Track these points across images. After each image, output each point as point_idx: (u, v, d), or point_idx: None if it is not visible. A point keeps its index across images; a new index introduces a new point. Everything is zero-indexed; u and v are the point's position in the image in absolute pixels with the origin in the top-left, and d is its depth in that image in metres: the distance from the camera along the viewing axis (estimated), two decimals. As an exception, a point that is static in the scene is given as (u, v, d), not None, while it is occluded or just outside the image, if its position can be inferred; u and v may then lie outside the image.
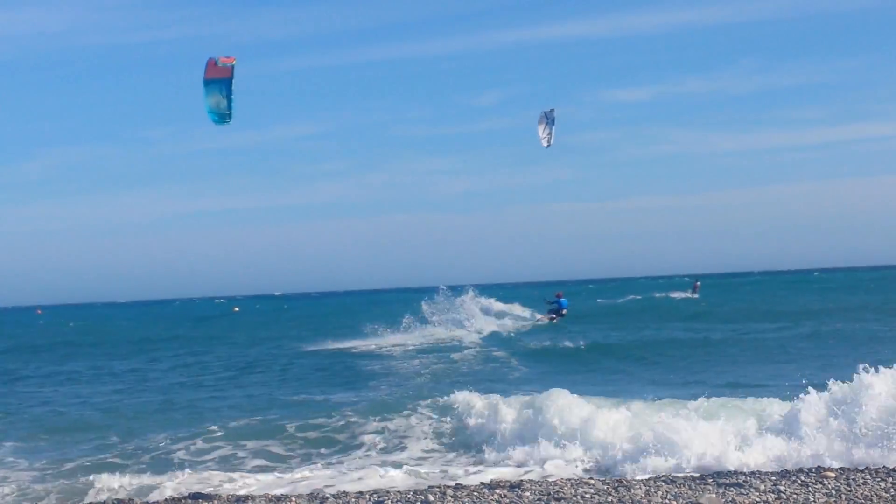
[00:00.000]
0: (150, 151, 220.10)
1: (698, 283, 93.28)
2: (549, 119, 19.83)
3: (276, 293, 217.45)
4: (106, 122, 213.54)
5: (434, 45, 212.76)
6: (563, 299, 51.13)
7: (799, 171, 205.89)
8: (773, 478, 14.44)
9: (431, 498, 13.77)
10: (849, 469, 14.94)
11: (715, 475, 15.00)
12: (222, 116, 16.21)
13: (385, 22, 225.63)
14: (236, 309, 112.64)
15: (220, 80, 16.05)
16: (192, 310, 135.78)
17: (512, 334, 46.57)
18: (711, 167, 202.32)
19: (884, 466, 15.11)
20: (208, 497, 14.54)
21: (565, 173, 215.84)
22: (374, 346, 42.66)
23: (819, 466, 15.23)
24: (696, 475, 15.15)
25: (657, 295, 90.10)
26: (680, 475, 15.28)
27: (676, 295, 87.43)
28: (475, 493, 13.94)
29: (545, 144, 19.89)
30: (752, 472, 15.05)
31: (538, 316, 52.86)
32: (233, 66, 15.97)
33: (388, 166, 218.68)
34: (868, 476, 14.30)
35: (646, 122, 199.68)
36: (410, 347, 41.38)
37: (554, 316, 50.59)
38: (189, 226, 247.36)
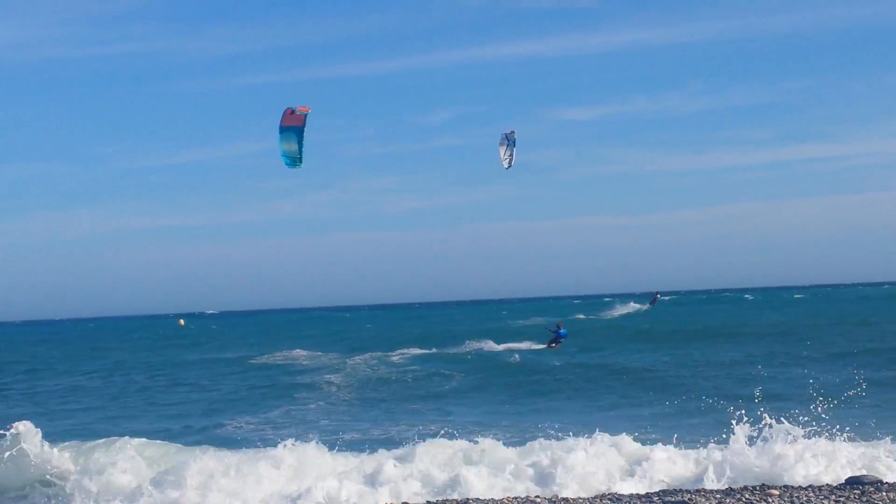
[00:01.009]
0: (98, 168, 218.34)
1: (658, 294, 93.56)
2: (509, 140, 20.10)
3: (208, 311, 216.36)
4: (54, 139, 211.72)
5: (385, 63, 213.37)
6: (562, 330, 53.40)
7: (746, 191, 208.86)
8: (718, 495, 14.52)
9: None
10: (792, 487, 15.06)
11: (661, 493, 15.06)
12: (294, 160, 17.86)
13: (335, 40, 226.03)
14: (182, 322, 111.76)
15: (294, 128, 17.70)
16: (142, 326, 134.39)
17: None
18: (659, 187, 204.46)
19: (827, 485, 15.25)
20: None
21: (515, 192, 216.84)
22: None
23: (763, 484, 15.35)
24: (642, 493, 15.19)
25: (612, 312, 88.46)
26: (626, 493, 15.31)
27: (627, 309, 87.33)
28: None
29: (506, 166, 20.07)
30: (698, 490, 15.12)
31: (542, 345, 54.28)
32: (306, 115, 17.65)
33: (337, 184, 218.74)
34: (812, 494, 14.41)
35: (594, 142, 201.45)
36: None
37: (554, 344, 52.55)
38: (137, 243, 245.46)
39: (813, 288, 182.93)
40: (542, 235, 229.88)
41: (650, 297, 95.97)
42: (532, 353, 46.27)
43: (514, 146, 20.05)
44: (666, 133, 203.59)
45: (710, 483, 15.71)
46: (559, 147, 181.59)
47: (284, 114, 17.81)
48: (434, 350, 49.13)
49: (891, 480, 15.25)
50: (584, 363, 38.94)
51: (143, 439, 19.32)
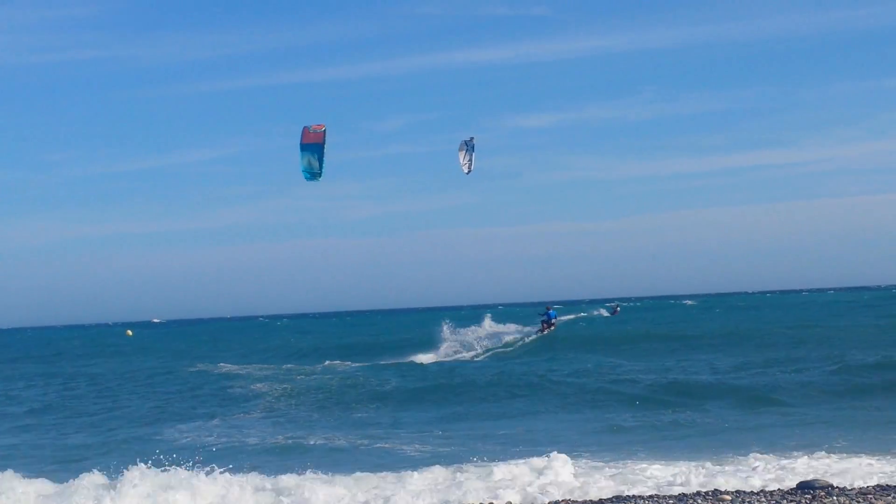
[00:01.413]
0: (49, 175, 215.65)
1: (618, 307, 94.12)
2: (469, 146, 20.40)
3: (154, 320, 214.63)
4: (2, 146, 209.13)
5: (338, 70, 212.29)
6: (551, 311, 54.46)
7: (701, 197, 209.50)
8: (671, 501, 14.60)
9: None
10: (745, 492, 15.17)
11: (614, 499, 15.12)
12: (314, 175, 18.82)
13: (289, 46, 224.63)
14: (129, 332, 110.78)
15: (314, 145, 18.72)
16: (81, 335, 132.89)
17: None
18: (615, 193, 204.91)
19: (779, 489, 15.38)
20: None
21: (470, 199, 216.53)
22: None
23: (716, 490, 15.45)
24: (595, 499, 15.25)
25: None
26: (580, 500, 15.36)
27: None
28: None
29: (465, 171, 20.39)
30: (651, 496, 15.18)
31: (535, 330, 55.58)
32: (324, 132, 18.71)
33: (292, 192, 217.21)
34: (763, 498, 14.52)
35: (550, 149, 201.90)
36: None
37: (546, 329, 54.06)
38: (89, 251, 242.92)
39: (763, 294, 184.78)
40: (498, 242, 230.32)
41: (610, 308, 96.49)
42: (456, 364, 44.72)
43: (474, 152, 20.40)
44: (620, 140, 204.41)
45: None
46: (515, 154, 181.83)
47: (303, 132, 18.82)
48: (354, 363, 47.05)
49: (841, 485, 15.41)
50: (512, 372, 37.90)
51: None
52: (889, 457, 18.17)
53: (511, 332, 55.63)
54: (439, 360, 48.19)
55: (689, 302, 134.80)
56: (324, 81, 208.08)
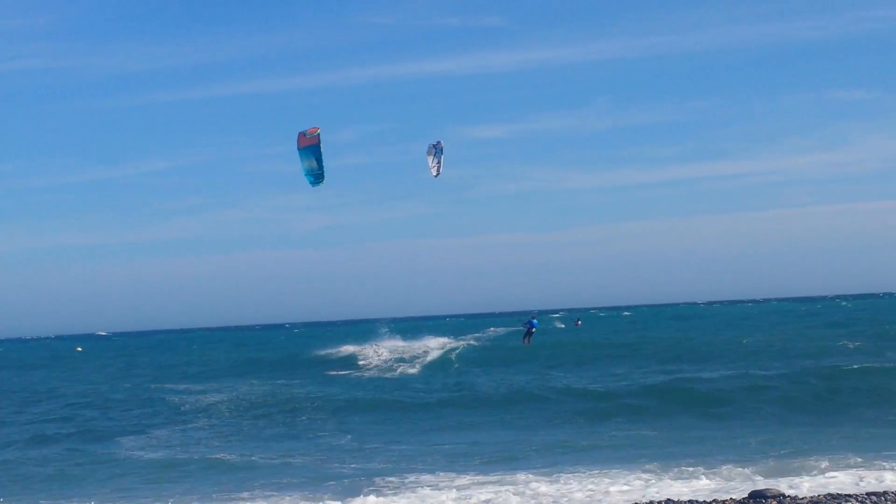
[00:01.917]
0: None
1: (579, 321, 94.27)
2: (437, 150, 20.75)
3: (99, 332, 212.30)
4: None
5: (292, 80, 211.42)
6: (535, 321, 54.50)
7: (654, 207, 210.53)
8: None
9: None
10: (696, 502, 15.23)
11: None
12: (317, 176, 19.11)
13: (243, 57, 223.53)
14: (79, 349, 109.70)
15: (310, 147, 18.96)
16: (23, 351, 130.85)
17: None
18: (569, 204, 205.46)
19: (731, 498, 15.44)
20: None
21: (426, 210, 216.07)
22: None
23: (668, 499, 15.49)
24: None
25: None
26: None
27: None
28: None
29: (434, 174, 20.72)
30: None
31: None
32: (318, 135, 18.99)
33: (245, 202, 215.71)
34: None
35: (504, 160, 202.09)
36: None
37: (527, 339, 54.74)
38: (36, 262, 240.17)
39: (712, 304, 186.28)
40: (454, 252, 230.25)
41: (571, 320, 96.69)
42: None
43: (442, 155, 20.71)
44: (573, 151, 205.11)
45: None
46: (468, 165, 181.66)
47: (299, 137, 19.10)
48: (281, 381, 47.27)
49: (792, 494, 15.50)
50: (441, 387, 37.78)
51: None
52: (842, 465, 18.36)
53: (436, 346, 55.89)
54: (363, 373, 47.82)
55: (627, 313, 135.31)
56: (277, 92, 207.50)
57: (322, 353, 58.61)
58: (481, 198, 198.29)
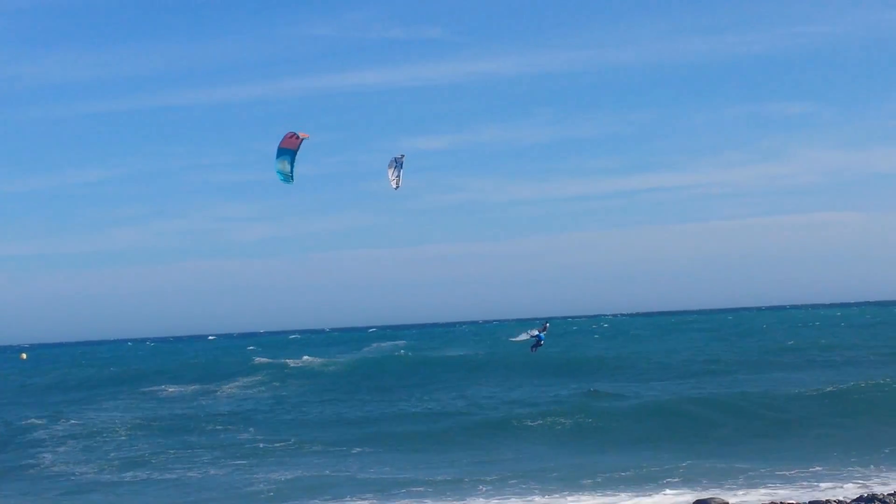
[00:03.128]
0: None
1: (547, 324, 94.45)
2: (398, 164, 21.48)
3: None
4: None
5: (232, 91, 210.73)
6: (542, 334, 56.25)
7: (593, 219, 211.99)
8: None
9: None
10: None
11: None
12: (286, 177, 19.99)
13: (182, 68, 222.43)
14: (24, 356, 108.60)
15: (289, 151, 19.85)
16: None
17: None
18: (510, 215, 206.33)
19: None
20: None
21: (366, 220, 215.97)
22: None
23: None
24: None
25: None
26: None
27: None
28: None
29: (394, 186, 21.34)
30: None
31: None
32: (301, 141, 19.88)
33: (185, 212, 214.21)
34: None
35: (444, 171, 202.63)
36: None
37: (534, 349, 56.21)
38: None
39: (655, 315, 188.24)
40: (394, 263, 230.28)
41: (539, 325, 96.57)
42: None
43: (402, 168, 21.48)
44: (514, 162, 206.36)
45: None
46: (409, 175, 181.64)
47: (284, 136, 19.89)
48: (194, 386, 47.99)
49: (734, 502, 16.13)
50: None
51: None
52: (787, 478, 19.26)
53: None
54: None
55: (575, 328, 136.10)
56: (216, 102, 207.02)
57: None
58: (422, 209, 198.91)
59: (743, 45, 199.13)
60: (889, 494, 17.15)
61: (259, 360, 62.72)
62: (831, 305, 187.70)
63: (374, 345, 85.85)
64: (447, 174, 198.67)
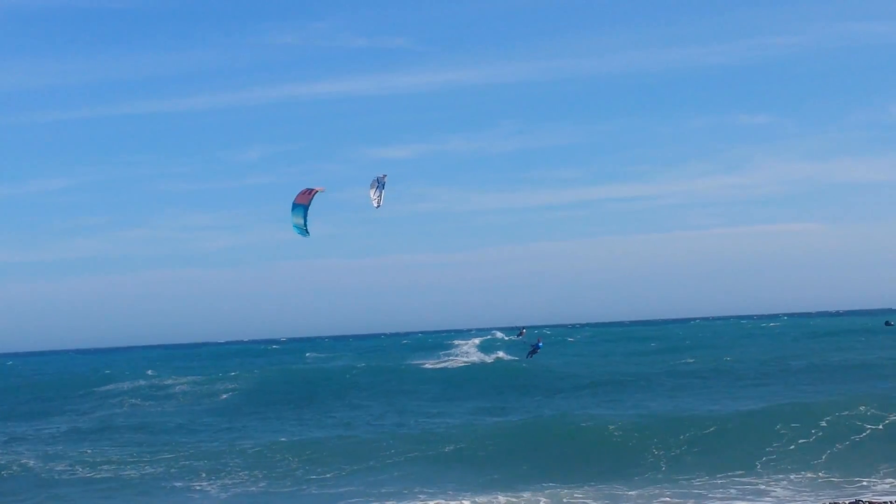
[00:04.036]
0: None
1: (524, 330, 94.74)
2: (380, 184, 22.20)
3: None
4: None
5: (197, 99, 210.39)
6: (540, 343, 57.69)
7: (558, 229, 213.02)
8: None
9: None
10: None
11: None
12: (302, 230, 21.57)
13: (146, 75, 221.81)
14: None
15: (301, 206, 21.47)
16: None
17: None
18: (475, 225, 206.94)
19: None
20: None
21: (330, 230, 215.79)
22: None
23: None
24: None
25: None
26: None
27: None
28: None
29: (375, 205, 22.10)
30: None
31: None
32: (314, 195, 21.49)
33: (150, 221, 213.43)
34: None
35: (409, 180, 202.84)
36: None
37: (530, 355, 57.35)
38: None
39: (616, 325, 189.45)
40: (359, 273, 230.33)
41: (516, 331, 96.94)
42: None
43: (384, 188, 22.26)
44: (480, 172, 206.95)
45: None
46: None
47: (300, 192, 21.61)
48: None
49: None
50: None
51: None
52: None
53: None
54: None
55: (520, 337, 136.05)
56: (181, 111, 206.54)
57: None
58: (387, 218, 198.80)
59: (708, 57, 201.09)
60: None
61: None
62: (793, 315, 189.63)
63: (309, 354, 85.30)
64: (412, 184, 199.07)
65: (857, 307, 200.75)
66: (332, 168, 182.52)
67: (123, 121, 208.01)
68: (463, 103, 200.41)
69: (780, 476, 23.00)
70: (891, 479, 22.08)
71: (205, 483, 25.24)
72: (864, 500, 19.50)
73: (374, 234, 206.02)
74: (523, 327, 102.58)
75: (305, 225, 21.56)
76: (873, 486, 21.65)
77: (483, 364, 58.06)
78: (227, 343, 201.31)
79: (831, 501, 19.55)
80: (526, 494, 21.67)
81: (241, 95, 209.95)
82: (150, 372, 64.12)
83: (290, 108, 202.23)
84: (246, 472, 26.10)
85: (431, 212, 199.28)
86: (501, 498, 21.44)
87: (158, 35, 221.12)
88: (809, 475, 23.13)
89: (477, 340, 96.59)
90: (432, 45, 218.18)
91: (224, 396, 46.13)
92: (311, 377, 52.12)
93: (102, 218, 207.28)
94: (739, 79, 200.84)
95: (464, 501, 21.36)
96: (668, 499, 21.08)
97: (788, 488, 21.82)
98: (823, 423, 27.20)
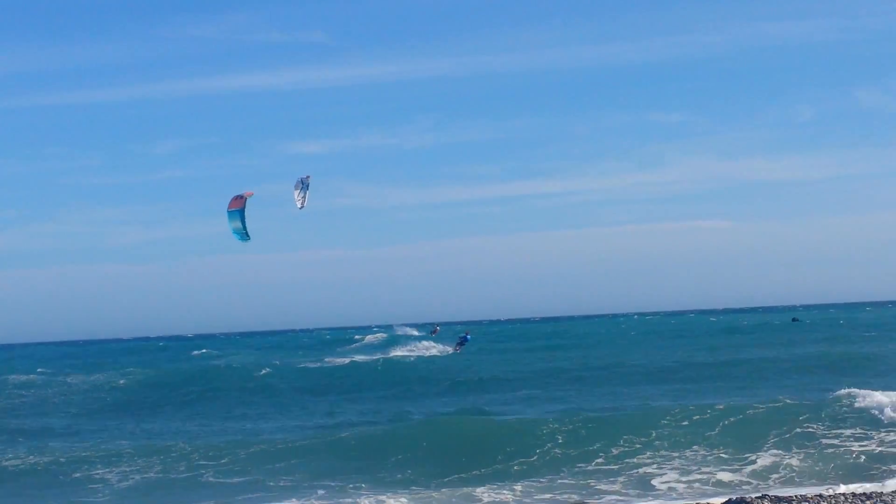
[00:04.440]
0: None
1: (438, 327, 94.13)
2: (304, 185, 22.06)
3: None
4: None
5: (109, 92, 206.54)
6: (468, 335, 63.32)
7: (476, 225, 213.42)
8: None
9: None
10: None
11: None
12: (242, 235, 21.90)
13: (57, 68, 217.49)
14: None
15: (237, 210, 21.81)
16: None
17: None
18: (390, 221, 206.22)
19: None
20: None
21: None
22: None
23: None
24: None
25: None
26: None
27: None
28: None
29: (299, 206, 22.06)
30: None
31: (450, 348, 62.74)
32: (246, 199, 21.81)
33: (59, 216, 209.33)
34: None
35: (325, 176, 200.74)
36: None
37: (459, 347, 61.73)
38: None
39: (527, 321, 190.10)
40: (273, 268, 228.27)
41: (430, 328, 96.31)
42: None
43: (308, 189, 22.09)
44: (396, 167, 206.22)
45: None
46: (290, 180, 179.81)
47: (231, 199, 21.99)
48: None
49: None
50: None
51: None
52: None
53: None
54: None
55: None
56: (93, 104, 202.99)
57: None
58: (302, 213, 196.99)
59: (623, 55, 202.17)
60: None
61: None
62: (702, 311, 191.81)
63: (203, 350, 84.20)
64: (328, 179, 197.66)
65: (766, 304, 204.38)
66: (248, 163, 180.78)
67: (32, 113, 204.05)
68: (379, 98, 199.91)
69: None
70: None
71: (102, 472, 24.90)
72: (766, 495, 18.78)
73: (289, 230, 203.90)
74: (437, 324, 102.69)
75: (244, 228, 21.84)
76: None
77: (385, 361, 56.95)
78: (133, 340, 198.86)
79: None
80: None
81: (155, 88, 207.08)
82: (40, 369, 63.49)
83: (204, 102, 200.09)
84: (143, 460, 25.85)
85: (347, 207, 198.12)
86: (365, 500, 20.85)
87: (71, 26, 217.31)
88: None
89: (383, 335, 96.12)
90: (349, 40, 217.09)
91: (108, 394, 45.09)
92: (198, 375, 51.01)
93: (10, 212, 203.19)
94: (654, 77, 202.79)
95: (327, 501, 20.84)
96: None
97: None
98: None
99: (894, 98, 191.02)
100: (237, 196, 21.91)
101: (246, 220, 21.79)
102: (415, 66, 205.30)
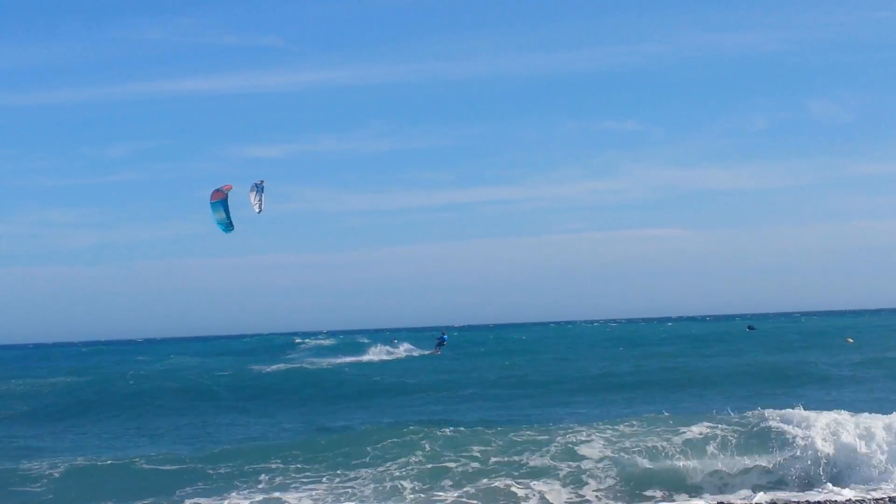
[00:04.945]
0: None
1: (395, 340, 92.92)
2: (259, 188, 22.49)
3: None
4: None
5: (60, 93, 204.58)
6: (445, 336, 66.69)
7: (429, 231, 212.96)
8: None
9: None
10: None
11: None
12: (226, 226, 22.09)
13: (8, 68, 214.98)
14: None
15: (220, 201, 21.98)
16: None
17: None
18: (345, 226, 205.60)
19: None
20: None
21: (195, 229, 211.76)
22: None
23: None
24: None
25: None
26: None
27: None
28: None
29: (256, 210, 22.44)
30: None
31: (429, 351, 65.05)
32: (227, 192, 22.04)
33: (9, 218, 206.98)
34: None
35: (278, 180, 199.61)
36: None
37: (437, 349, 63.99)
38: None
39: (481, 327, 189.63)
40: (224, 273, 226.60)
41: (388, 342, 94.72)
42: None
43: (263, 192, 22.51)
44: (350, 172, 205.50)
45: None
46: (243, 184, 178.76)
47: (212, 193, 22.14)
48: None
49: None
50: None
51: None
52: None
53: None
54: None
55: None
56: (42, 105, 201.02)
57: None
58: (255, 218, 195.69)
59: (577, 62, 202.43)
60: None
61: None
62: (657, 319, 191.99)
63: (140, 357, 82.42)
64: (280, 183, 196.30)
65: (721, 312, 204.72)
66: (201, 166, 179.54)
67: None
68: (334, 103, 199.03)
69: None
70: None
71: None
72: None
73: (240, 234, 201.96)
74: (394, 338, 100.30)
75: (228, 218, 21.87)
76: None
77: (320, 368, 55.42)
78: (84, 343, 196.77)
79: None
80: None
81: (107, 90, 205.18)
82: None
83: (157, 105, 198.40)
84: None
85: (300, 212, 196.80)
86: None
87: (21, 27, 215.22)
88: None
89: (330, 341, 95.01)
90: (304, 44, 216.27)
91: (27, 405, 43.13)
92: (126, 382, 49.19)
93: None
94: (608, 85, 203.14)
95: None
96: None
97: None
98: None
99: (844, 108, 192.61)
100: (216, 189, 22.02)
101: (230, 210, 22.02)
102: (370, 71, 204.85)
